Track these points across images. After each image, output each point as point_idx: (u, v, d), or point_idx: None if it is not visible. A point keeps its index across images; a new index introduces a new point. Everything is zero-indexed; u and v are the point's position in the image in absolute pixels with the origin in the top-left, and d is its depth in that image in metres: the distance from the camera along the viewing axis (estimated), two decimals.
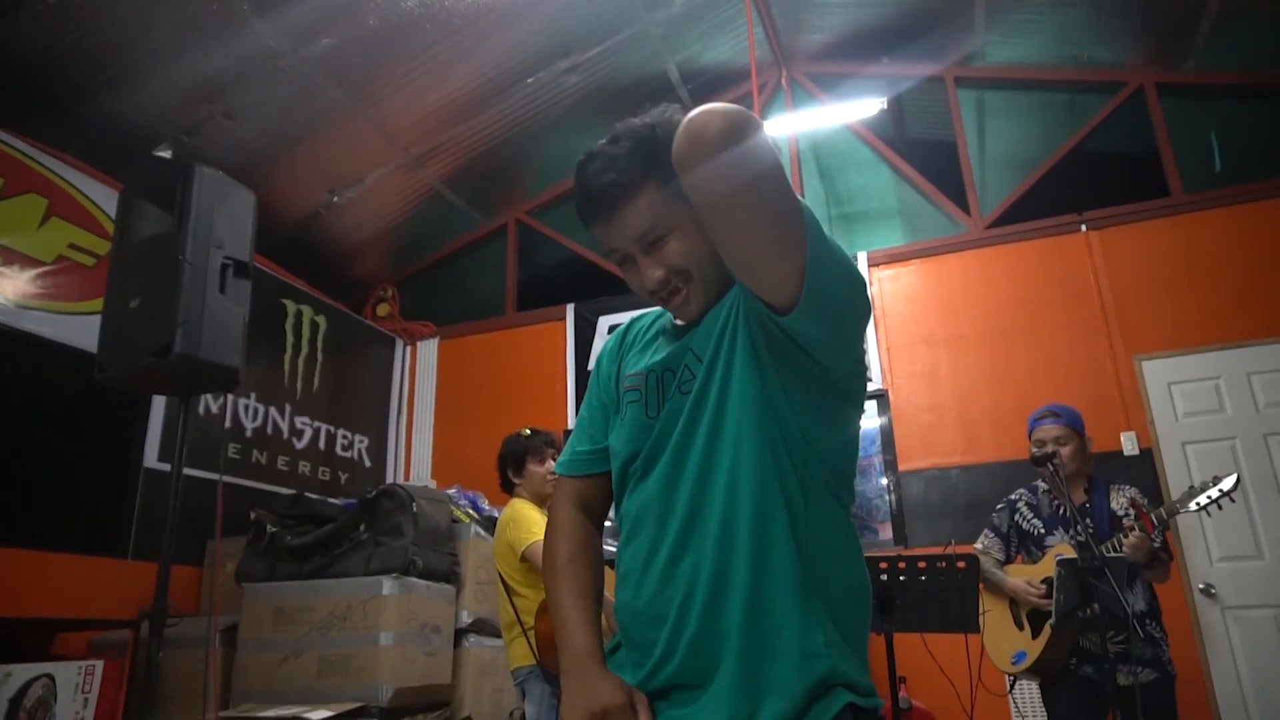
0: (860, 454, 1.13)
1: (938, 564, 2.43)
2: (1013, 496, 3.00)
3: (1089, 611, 2.31)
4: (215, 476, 4.24)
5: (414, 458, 5.96)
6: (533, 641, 2.78)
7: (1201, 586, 4.13)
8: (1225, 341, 4.40)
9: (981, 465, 4.66)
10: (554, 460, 3.06)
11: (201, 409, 4.53)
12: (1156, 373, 4.48)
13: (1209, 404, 4.37)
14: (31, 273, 3.75)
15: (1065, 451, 2.79)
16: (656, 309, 1.29)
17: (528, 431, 3.07)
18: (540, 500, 3.01)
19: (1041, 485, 2.95)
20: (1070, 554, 2.64)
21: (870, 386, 5.06)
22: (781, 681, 1.00)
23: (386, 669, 3.29)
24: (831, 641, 1.03)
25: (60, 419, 3.78)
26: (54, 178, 3.94)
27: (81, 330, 3.84)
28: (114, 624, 3.58)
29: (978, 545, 2.97)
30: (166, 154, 4.69)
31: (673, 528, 1.08)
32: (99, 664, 3.14)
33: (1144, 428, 4.42)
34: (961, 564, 2.44)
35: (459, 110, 5.32)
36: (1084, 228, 4.86)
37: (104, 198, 4.12)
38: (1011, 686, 2.80)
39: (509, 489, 3.06)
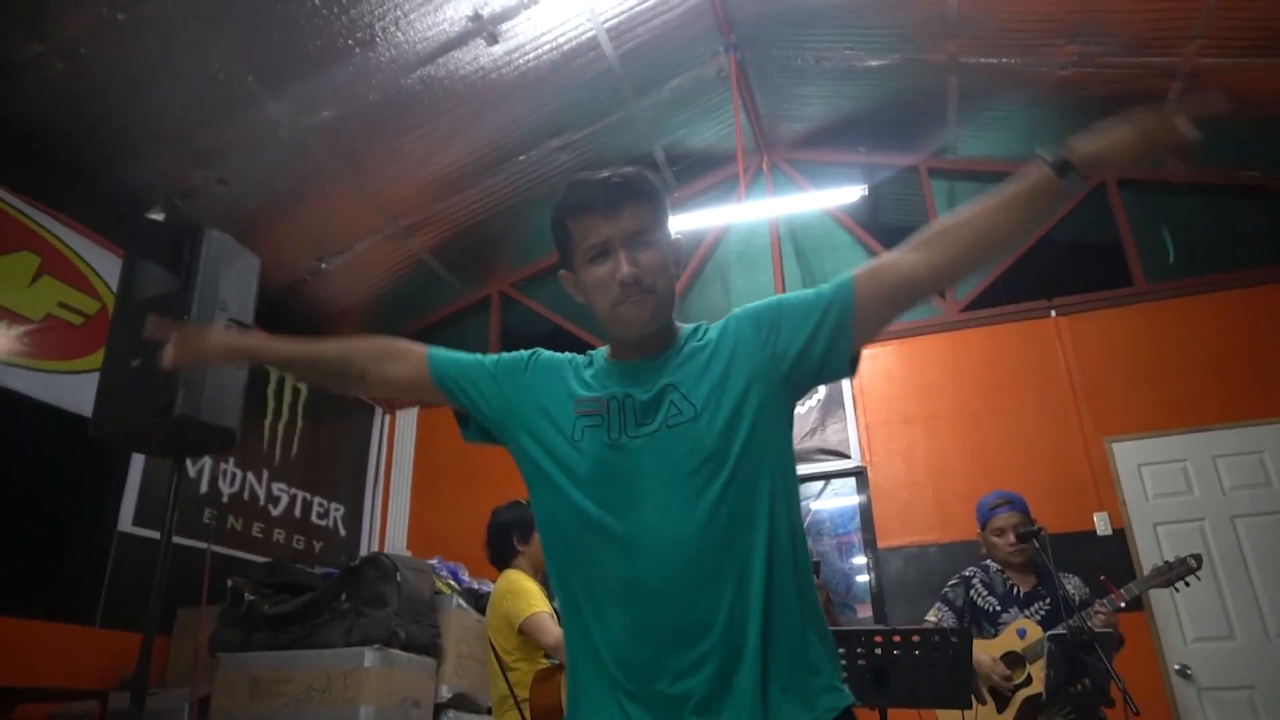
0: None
1: (932, 638, 2.45)
2: (966, 573, 3.09)
3: (1079, 686, 2.35)
4: (189, 543, 4.15)
5: (389, 528, 5.88)
6: (526, 715, 2.73)
7: (1177, 668, 4.18)
8: (1190, 425, 4.56)
9: (958, 543, 4.70)
10: None
11: None
12: (1126, 454, 4.62)
13: (1178, 485, 4.50)
14: (18, 330, 3.72)
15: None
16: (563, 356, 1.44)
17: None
18: (538, 571, 2.95)
19: (993, 565, 3.05)
20: (1035, 630, 2.70)
21: (849, 464, 5.14)
22: None
23: None
24: None
25: (36, 479, 3.70)
26: (47, 235, 3.95)
27: (64, 389, 3.79)
28: (79, 694, 3.45)
29: (930, 617, 3.03)
30: (159, 216, 4.72)
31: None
32: None
33: (1116, 508, 4.53)
34: (954, 638, 2.46)
35: (451, 183, 5.44)
36: (1053, 313, 5.06)
37: (96, 257, 4.13)
38: None
39: (506, 560, 3.03)
